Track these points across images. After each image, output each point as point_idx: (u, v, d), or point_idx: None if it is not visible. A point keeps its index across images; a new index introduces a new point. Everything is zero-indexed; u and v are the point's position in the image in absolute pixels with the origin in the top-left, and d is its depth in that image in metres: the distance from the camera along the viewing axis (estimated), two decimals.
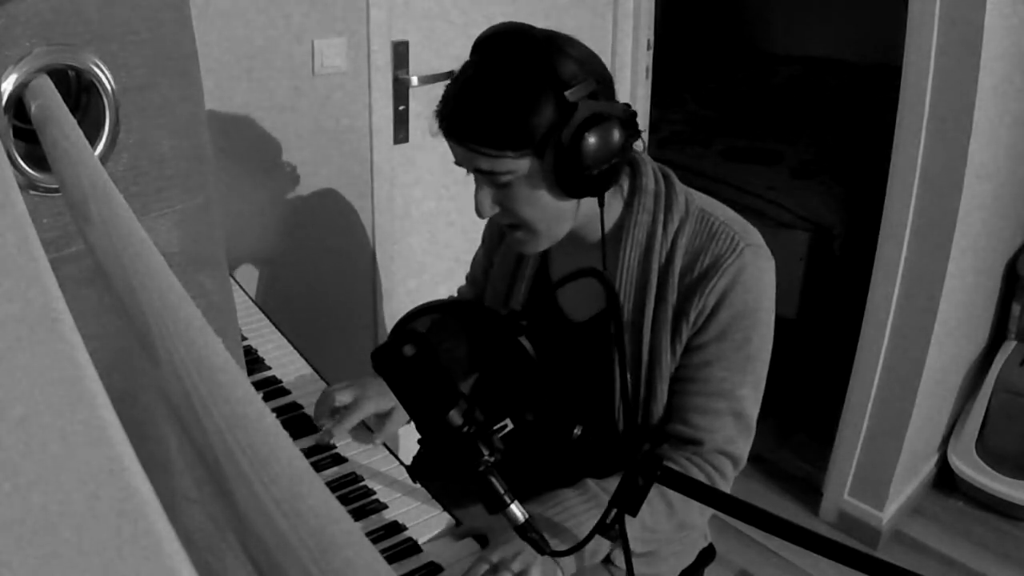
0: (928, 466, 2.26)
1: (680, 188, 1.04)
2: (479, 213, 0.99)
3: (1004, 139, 1.90)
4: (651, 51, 2.34)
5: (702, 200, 1.04)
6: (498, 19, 0.99)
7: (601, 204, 0.97)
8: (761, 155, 3.08)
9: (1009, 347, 2.36)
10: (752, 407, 1.02)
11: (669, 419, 1.03)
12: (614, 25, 2.22)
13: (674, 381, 1.02)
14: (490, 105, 0.91)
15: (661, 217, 1.01)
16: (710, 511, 1.03)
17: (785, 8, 3.86)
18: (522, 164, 0.92)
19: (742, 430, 1.01)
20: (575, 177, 0.91)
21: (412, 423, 1.07)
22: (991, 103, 1.74)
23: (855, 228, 2.70)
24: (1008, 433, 2.22)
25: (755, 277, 0.98)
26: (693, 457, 1.00)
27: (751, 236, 1.00)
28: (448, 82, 0.96)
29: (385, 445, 1.11)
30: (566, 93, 0.88)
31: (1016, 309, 2.37)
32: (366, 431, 1.13)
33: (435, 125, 0.97)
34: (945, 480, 2.28)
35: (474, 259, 1.33)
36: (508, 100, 0.90)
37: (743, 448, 1.03)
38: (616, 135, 0.91)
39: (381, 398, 1.12)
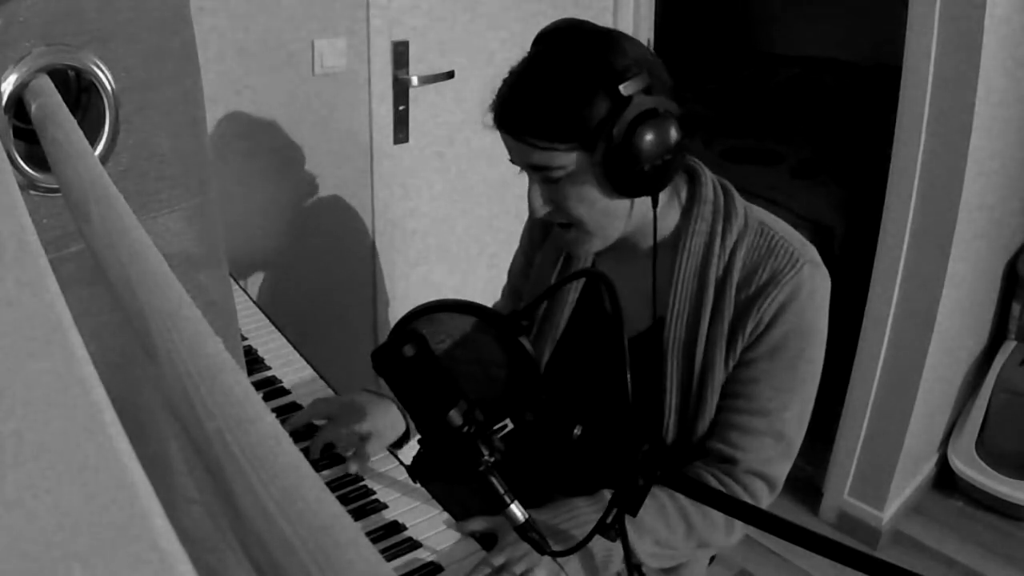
0: (928, 466, 2.26)
1: (739, 201, 1.02)
2: (532, 211, 0.97)
3: (1004, 139, 1.90)
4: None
5: (761, 213, 1.02)
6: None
7: (654, 205, 0.94)
8: (761, 155, 3.08)
9: (1009, 347, 2.36)
10: (796, 430, 0.98)
11: (710, 435, 1.00)
12: (614, 25, 2.21)
13: (719, 396, 0.99)
14: (541, 95, 0.90)
15: (719, 228, 0.98)
16: (738, 533, 1.00)
17: (785, 8, 3.85)
18: (572, 158, 0.90)
19: (781, 452, 0.98)
20: (625, 173, 0.89)
21: (392, 444, 1.06)
22: (991, 103, 1.73)
23: (855, 228, 2.70)
24: (1008, 433, 2.22)
25: (812, 295, 0.95)
26: (722, 476, 0.97)
27: (810, 252, 0.97)
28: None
29: None
30: (619, 86, 0.86)
31: (1016, 309, 2.37)
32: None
33: (489, 117, 0.95)
34: (945, 480, 2.27)
35: (511, 269, 1.28)
36: (558, 91, 0.89)
37: (779, 470, 0.99)
38: (670, 132, 0.88)
39: (394, 429, 1.06)
